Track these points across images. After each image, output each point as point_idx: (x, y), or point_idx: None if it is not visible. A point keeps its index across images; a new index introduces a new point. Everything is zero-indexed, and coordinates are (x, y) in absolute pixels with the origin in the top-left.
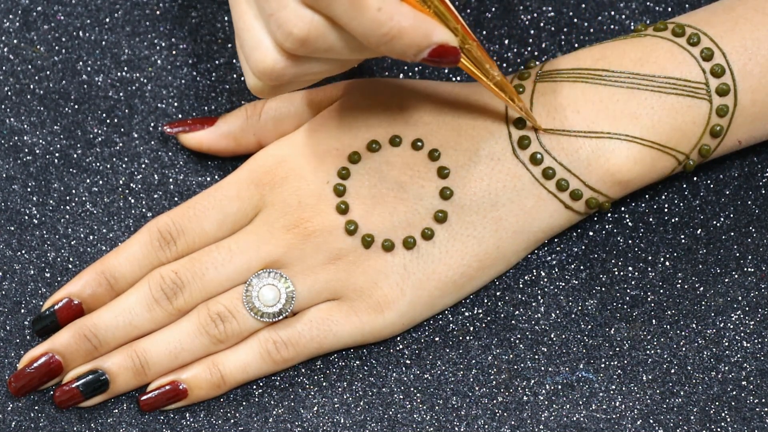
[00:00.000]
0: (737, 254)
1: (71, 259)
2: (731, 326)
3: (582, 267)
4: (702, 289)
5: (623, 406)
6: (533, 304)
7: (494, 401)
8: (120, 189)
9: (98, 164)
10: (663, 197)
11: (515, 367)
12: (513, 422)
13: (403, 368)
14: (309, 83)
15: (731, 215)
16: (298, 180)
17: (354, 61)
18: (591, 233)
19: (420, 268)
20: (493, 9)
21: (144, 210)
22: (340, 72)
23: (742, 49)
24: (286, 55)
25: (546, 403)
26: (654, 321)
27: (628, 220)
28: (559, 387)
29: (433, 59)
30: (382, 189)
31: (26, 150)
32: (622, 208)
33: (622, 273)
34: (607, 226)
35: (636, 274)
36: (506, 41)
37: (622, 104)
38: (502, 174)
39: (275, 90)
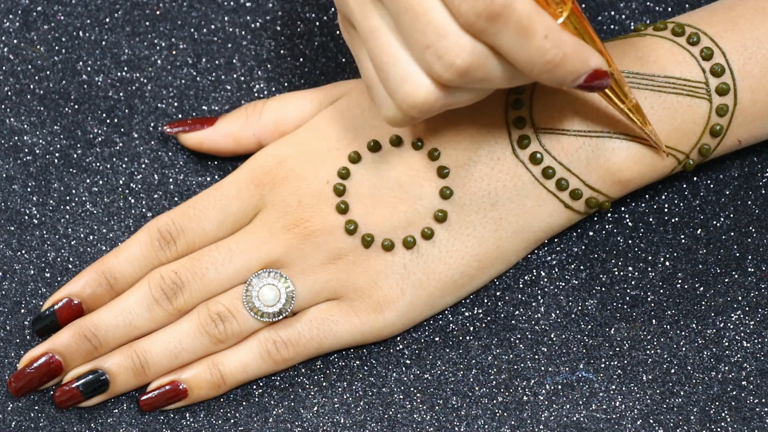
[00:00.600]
0: (737, 254)
1: (71, 259)
2: (731, 326)
3: (582, 267)
4: (702, 289)
5: (623, 406)
6: (533, 304)
7: (494, 401)
8: (120, 189)
9: (98, 164)
10: (663, 197)
11: (515, 367)
12: (513, 422)
13: (403, 368)
14: (446, 109)
15: (731, 215)
16: (298, 180)
17: (502, 88)
18: (591, 233)
19: (420, 267)
20: None
21: (144, 210)
22: (483, 97)
23: (741, 49)
24: (439, 86)
25: (546, 403)
26: (654, 321)
27: (628, 220)
28: (559, 387)
29: (588, 85)
30: (382, 189)
31: (26, 150)
32: (622, 208)
33: (622, 273)
34: (607, 226)
35: (636, 274)
36: None
37: None
38: (501, 174)
39: (414, 120)
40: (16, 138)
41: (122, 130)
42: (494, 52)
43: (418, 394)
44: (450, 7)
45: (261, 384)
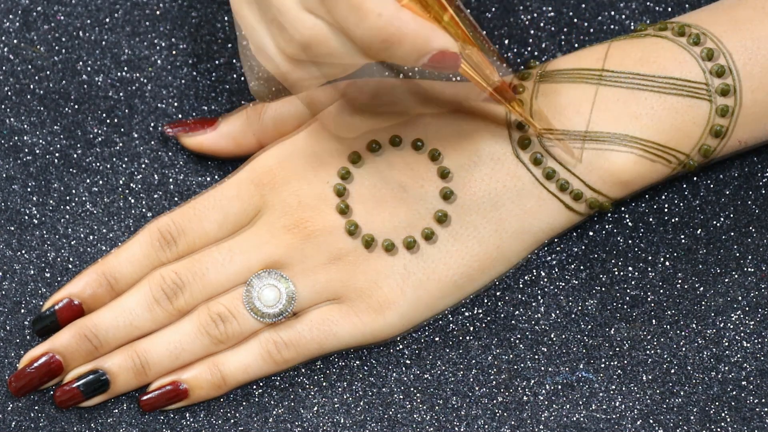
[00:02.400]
0: (737, 254)
1: (71, 259)
2: (731, 326)
3: (582, 267)
4: (702, 289)
5: (623, 406)
6: (533, 304)
7: (494, 401)
8: (120, 189)
9: (98, 164)
10: (663, 197)
11: (515, 367)
12: (513, 422)
13: (403, 368)
14: (311, 87)
15: (731, 215)
16: (299, 180)
17: (357, 65)
18: (591, 233)
19: (420, 268)
20: (493, 9)
21: (144, 210)
22: (343, 75)
23: (742, 49)
24: (288, 60)
25: (546, 403)
26: (654, 321)
27: (628, 220)
28: (559, 387)
29: (433, 65)
30: (382, 189)
31: (26, 150)
32: (622, 208)
33: (622, 273)
34: (607, 226)
35: (636, 274)
36: (506, 41)
37: (623, 104)
38: (502, 175)
39: (277, 94)
40: (16, 138)
41: (122, 130)
42: (335, 29)
43: (418, 394)
44: None
45: (261, 384)
